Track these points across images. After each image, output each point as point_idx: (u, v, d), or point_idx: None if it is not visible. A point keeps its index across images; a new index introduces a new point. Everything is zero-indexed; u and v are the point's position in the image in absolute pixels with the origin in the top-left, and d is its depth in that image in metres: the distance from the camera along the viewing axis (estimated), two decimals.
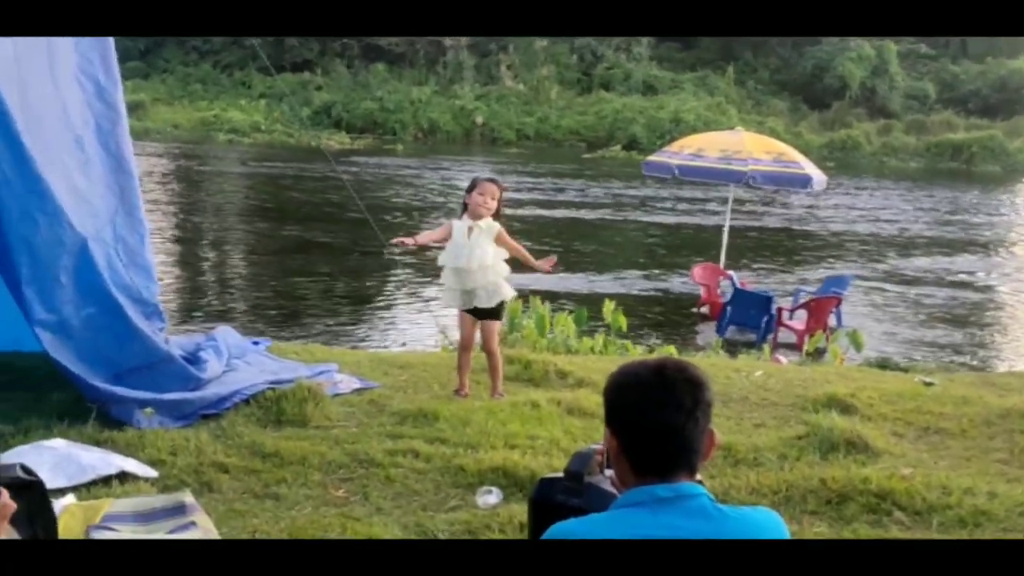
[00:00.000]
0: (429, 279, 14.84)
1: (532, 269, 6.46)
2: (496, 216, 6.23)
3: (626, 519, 2.10)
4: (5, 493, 2.18)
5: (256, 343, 7.16)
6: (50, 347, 5.21)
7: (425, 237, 6.40)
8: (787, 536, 2.19)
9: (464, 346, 6.43)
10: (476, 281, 6.21)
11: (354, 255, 16.77)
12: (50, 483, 3.92)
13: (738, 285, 13.00)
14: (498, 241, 6.22)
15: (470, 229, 6.18)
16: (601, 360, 7.84)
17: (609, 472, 2.49)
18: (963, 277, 18.04)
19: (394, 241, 6.28)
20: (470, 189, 6.27)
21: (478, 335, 6.46)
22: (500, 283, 6.28)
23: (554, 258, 6.53)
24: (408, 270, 15.33)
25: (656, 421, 2.11)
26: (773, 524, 2.17)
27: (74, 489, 4.44)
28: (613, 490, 2.58)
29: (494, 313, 6.38)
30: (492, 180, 6.31)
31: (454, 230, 6.25)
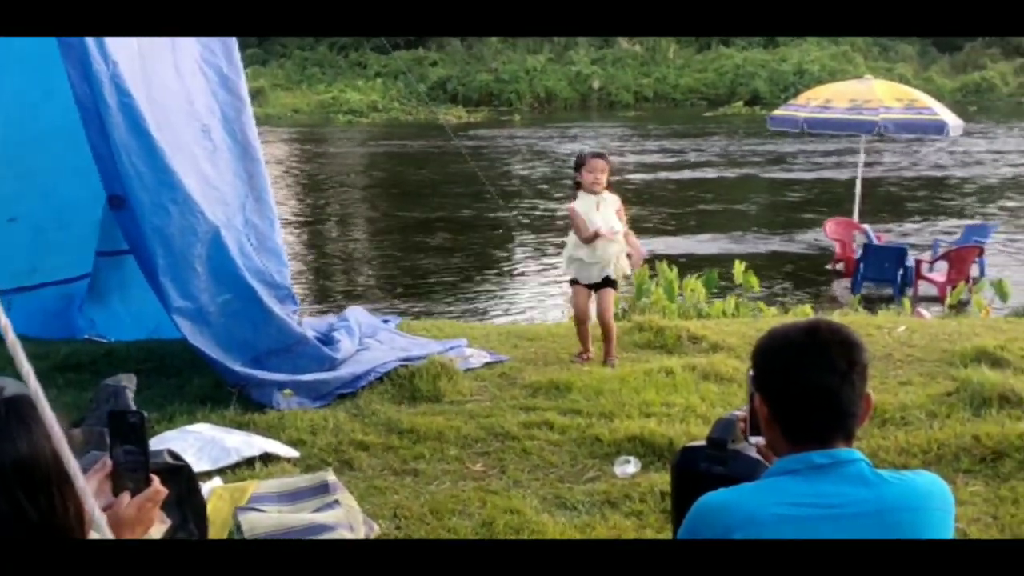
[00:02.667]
0: (550, 250, 14.83)
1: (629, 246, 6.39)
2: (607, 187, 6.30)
3: (781, 487, 2.02)
4: (157, 480, 2.20)
5: (386, 321, 7.22)
6: (189, 334, 5.34)
7: (583, 233, 6.19)
8: (951, 502, 2.08)
9: (582, 319, 6.42)
10: (609, 251, 6.24)
11: (476, 229, 16.83)
12: (196, 467, 4.01)
13: (874, 239, 12.56)
14: (618, 214, 6.29)
15: (598, 204, 6.22)
16: (734, 323, 7.65)
17: (755, 439, 2.39)
18: None
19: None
20: (578, 167, 6.31)
21: (592, 307, 6.47)
22: (623, 254, 6.35)
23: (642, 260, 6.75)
24: (527, 237, 15.31)
25: (810, 384, 2.02)
26: (936, 490, 2.06)
27: (219, 472, 4.55)
28: (760, 457, 2.49)
29: (614, 283, 6.42)
30: (598, 155, 6.34)
31: (581, 209, 6.25)
